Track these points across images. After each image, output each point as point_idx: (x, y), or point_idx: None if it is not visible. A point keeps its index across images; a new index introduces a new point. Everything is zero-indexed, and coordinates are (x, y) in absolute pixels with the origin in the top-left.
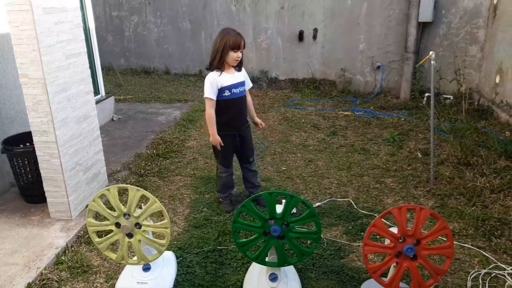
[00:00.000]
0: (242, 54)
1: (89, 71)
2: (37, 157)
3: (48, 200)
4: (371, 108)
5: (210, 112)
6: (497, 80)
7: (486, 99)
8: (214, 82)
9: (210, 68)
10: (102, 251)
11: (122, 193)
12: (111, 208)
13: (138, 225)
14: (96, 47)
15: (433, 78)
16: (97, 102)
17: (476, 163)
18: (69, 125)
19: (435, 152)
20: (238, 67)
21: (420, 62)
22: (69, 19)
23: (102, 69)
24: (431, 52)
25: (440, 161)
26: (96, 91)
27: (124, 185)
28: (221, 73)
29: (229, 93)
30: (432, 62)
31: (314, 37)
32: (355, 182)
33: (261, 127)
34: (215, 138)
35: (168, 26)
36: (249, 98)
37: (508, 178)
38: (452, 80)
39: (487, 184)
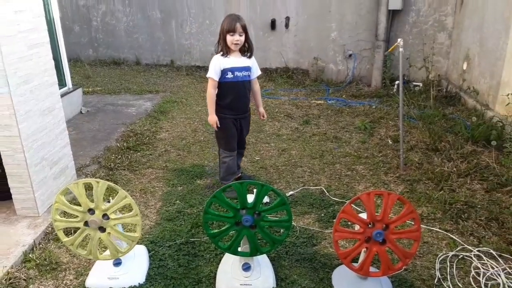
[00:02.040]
0: (247, 38)
1: (53, 62)
2: (0, 152)
3: (13, 196)
4: (343, 96)
5: (210, 91)
6: (465, 67)
7: (454, 85)
8: (217, 63)
9: (216, 52)
10: (73, 250)
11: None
12: (77, 204)
13: (106, 216)
14: (61, 37)
15: (402, 65)
16: (64, 94)
17: (444, 148)
18: (32, 118)
19: (404, 139)
20: (247, 52)
21: (389, 50)
22: (30, 7)
23: (69, 60)
24: (399, 39)
25: (410, 147)
26: (63, 83)
27: (86, 179)
28: (226, 56)
29: (232, 76)
30: (401, 49)
31: (287, 25)
32: (327, 170)
33: (262, 118)
34: (212, 117)
35: (137, 15)
36: (257, 86)
37: (474, 162)
38: (421, 67)
39: (455, 169)
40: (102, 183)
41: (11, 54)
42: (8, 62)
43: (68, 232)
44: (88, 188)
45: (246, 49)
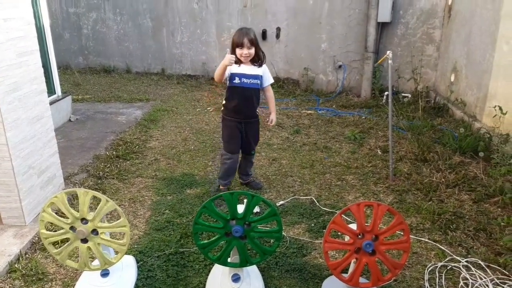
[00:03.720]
0: (257, 49)
1: (42, 70)
2: None
3: (0, 205)
4: (333, 106)
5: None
6: (452, 78)
7: (442, 97)
8: (229, 68)
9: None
10: (62, 261)
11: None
12: (64, 216)
13: (95, 232)
14: (51, 44)
15: (391, 76)
16: (53, 102)
17: (432, 159)
18: (20, 126)
19: (394, 149)
20: (257, 63)
21: (378, 62)
22: (19, 15)
23: (59, 68)
24: (388, 52)
25: (399, 157)
26: (52, 91)
27: (72, 189)
28: (239, 65)
29: (239, 81)
30: (390, 61)
31: (277, 36)
32: (317, 180)
33: (269, 123)
34: (226, 57)
35: (128, 23)
36: (269, 94)
37: (462, 173)
38: (409, 79)
39: (443, 179)
40: (83, 192)
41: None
42: None
43: (55, 242)
44: (76, 198)
45: (257, 60)
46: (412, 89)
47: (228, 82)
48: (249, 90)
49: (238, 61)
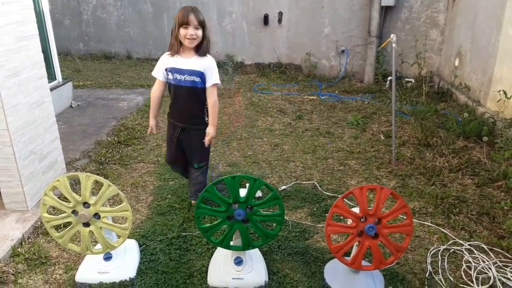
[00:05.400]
0: (204, 33)
1: (42, 55)
2: None
3: (1, 190)
4: (336, 92)
5: (153, 89)
6: (457, 63)
7: (446, 82)
8: (161, 61)
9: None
10: (65, 245)
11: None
12: (66, 199)
13: (97, 216)
14: (51, 30)
15: (395, 61)
16: (54, 88)
17: (435, 144)
18: (21, 111)
19: (396, 134)
20: (200, 52)
21: (382, 45)
22: None
23: (59, 54)
24: (392, 35)
25: (402, 142)
26: (52, 77)
27: (73, 173)
28: (174, 55)
29: (172, 77)
30: (393, 45)
31: (279, 20)
32: (319, 165)
33: (206, 139)
34: (150, 122)
35: (128, 8)
36: (211, 99)
37: (465, 157)
38: (413, 63)
39: (446, 164)
40: (85, 176)
41: None
42: None
43: (57, 226)
44: (78, 183)
45: (203, 49)
46: (416, 74)
47: (165, 78)
48: (185, 89)
49: (177, 49)
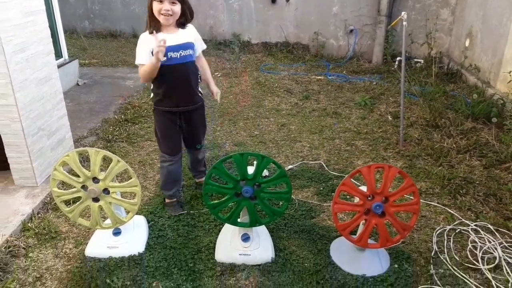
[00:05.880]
0: (183, 7)
1: (48, 31)
2: None
3: (11, 166)
4: (344, 72)
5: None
6: (467, 43)
7: (456, 62)
8: (144, 45)
9: (146, 27)
10: (74, 220)
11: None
12: (75, 175)
13: (106, 191)
14: (57, 7)
15: (405, 39)
16: (60, 65)
17: (444, 125)
18: (29, 87)
19: (405, 115)
20: (181, 24)
21: (392, 24)
22: None
23: (65, 32)
24: (403, 13)
25: (410, 123)
26: (59, 54)
27: (82, 148)
28: (155, 33)
29: (165, 58)
30: (404, 23)
31: None
32: (326, 145)
33: (215, 97)
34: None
35: None
36: (203, 62)
37: (474, 139)
38: (423, 43)
39: (454, 145)
40: (97, 152)
41: (6, 21)
42: (3, 29)
43: (67, 201)
44: (87, 159)
45: (184, 21)
46: (425, 55)
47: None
48: (182, 67)
49: (156, 26)
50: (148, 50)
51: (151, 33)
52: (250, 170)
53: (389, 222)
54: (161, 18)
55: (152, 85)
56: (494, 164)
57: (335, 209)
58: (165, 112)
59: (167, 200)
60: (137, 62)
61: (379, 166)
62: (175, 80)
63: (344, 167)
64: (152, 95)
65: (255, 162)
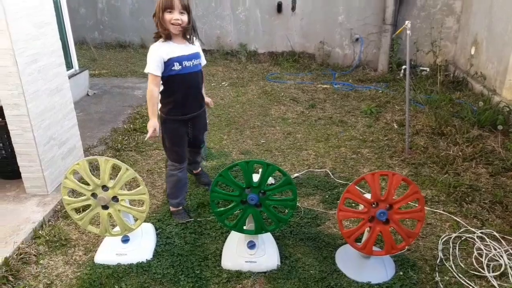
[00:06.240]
0: (190, 19)
1: (59, 43)
2: (10, 131)
3: (23, 175)
4: (350, 81)
5: (152, 90)
6: (472, 51)
7: (461, 70)
8: (157, 54)
9: (155, 37)
10: (84, 227)
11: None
12: (85, 183)
13: (115, 199)
14: (67, 19)
15: (409, 48)
16: (71, 76)
17: (449, 132)
18: (41, 98)
19: (410, 123)
20: (189, 38)
21: (396, 32)
22: None
23: (76, 43)
24: (406, 22)
25: (415, 131)
26: (69, 65)
27: (92, 157)
28: (168, 42)
29: (180, 67)
30: (408, 32)
31: (293, 8)
32: (332, 153)
33: (211, 105)
34: (152, 122)
35: None
36: (203, 75)
37: (480, 146)
38: (428, 52)
39: (460, 153)
40: (106, 161)
41: (18, 33)
42: (16, 41)
43: (77, 209)
44: (96, 168)
45: (190, 33)
46: (431, 63)
47: (163, 71)
48: (195, 75)
49: (166, 36)
50: (159, 60)
51: (163, 40)
52: (257, 178)
53: (394, 229)
54: (171, 28)
55: (161, 95)
56: (500, 171)
57: (340, 216)
58: (176, 120)
59: (173, 209)
60: (146, 70)
61: (383, 173)
62: (188, 87)
63: (350, 175)
64: (160, 106)
65: (260, 170)
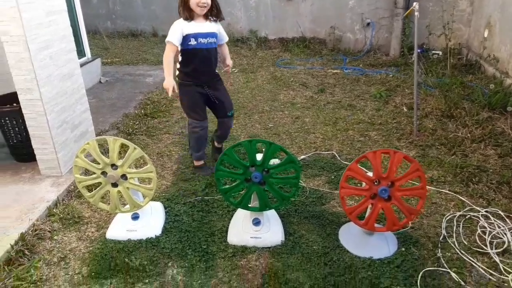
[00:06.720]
0: (213, 2)
1: (70, 30)
2: (24, 115)
3: (37, 157)
4: (361, 65)
5: (167, 54)
6: (486, 34)
7: (475, 53)
8: (178, 28)
9: (179, 16)
10: (95, 204)
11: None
12: (96, 162)
13: (124, 177)
14: (79, 7)
15: (417, 29)
16: (83, 64)
17: (459, 115)
18: (53, 82)
19: (420, 106)
20: (212, 17)
21: (405, 14)
22: None
23: (88, 32)
24: (415, 3)
25: (425, 114)
26: (82, 53)
27: (101, 137)
28: (189, 21)
29: (195, 42)
30: (416, 13)
31: None
32: (339, 136)
33: (225, 68)
34: (168, 81)
35: None
36: (225, 48)
37: (489, 128)
38: (440, 35)
39: (469, 135)
40: (115, 141)
41: (30, 20)
42: (28, 27)
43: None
44: (107, 151)
45: (214, 14)
46: (443, 47)
47: (181, 45)
48: (207, 51)
49: (189, 15)
50: (180, 34)
51: (185, 19)
52: (261, 157)
53: (396, 206)
54: (198, 10)
55: (178, 65)
56: (509, 153)
57: (342, 193)
58: (192, 84)
59: (196, 163)
60: (168, 39)
61: (385, 151)
62: (201, 60)
63: (356, 157)
64: (177, 73)
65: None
